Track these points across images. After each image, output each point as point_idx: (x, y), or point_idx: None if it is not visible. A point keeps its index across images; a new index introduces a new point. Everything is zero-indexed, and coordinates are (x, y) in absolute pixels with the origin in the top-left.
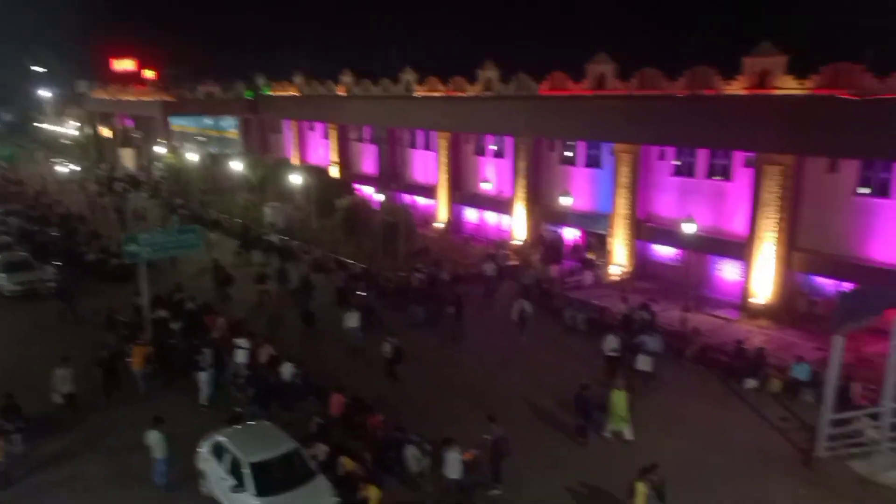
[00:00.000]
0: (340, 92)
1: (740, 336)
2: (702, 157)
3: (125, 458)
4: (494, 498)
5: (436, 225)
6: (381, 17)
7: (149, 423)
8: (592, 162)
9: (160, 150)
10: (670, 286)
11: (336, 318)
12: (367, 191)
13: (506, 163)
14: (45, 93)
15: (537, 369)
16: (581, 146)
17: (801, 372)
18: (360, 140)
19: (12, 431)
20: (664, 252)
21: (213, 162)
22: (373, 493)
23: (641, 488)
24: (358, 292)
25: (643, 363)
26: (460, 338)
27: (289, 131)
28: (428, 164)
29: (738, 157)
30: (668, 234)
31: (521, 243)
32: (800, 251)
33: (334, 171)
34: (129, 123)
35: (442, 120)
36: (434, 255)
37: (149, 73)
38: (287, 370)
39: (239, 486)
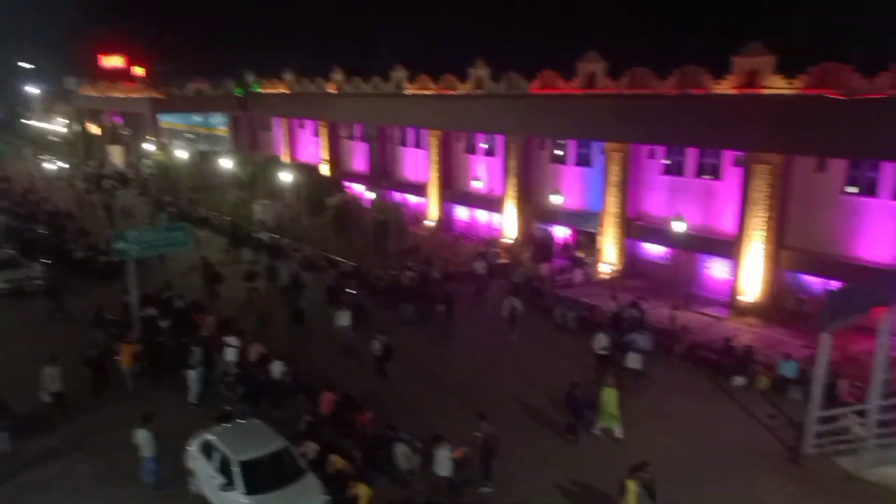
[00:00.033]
0: (331, 89)
1: (729, 334)
2: (691, 156)
3: (114, 457)
4: (484, 496)
5: (426, 223)
6: (372, 15)
7: (137, 422)
8: (583, 160)
9: (149, 147)
10: (660, 284)
11: (326, 317)
12: (358, 189)
13: (496, 161)
14: (32, 89)
15: (528, 367)
16: (571, 145)
17: (788, 369)
18: (351, 138)
19: (0, 430)
20: (654, 250)
21: (203, 159)
22: (363, 491)
23: (632, 486)
24: (348, 290)
25: (633, 361)
26: (451, 336)
27: (279, 129)
28: (419, 162)
29: (728, 156)
30: (658, 233)
31: (511, 241)
32: (788, 249)
33: (325, 169)
34: (118, 120)
35: (433, 118)
36: (425, 253)
37: (138, 70)
38: (277, 368)
39: (228, 485)
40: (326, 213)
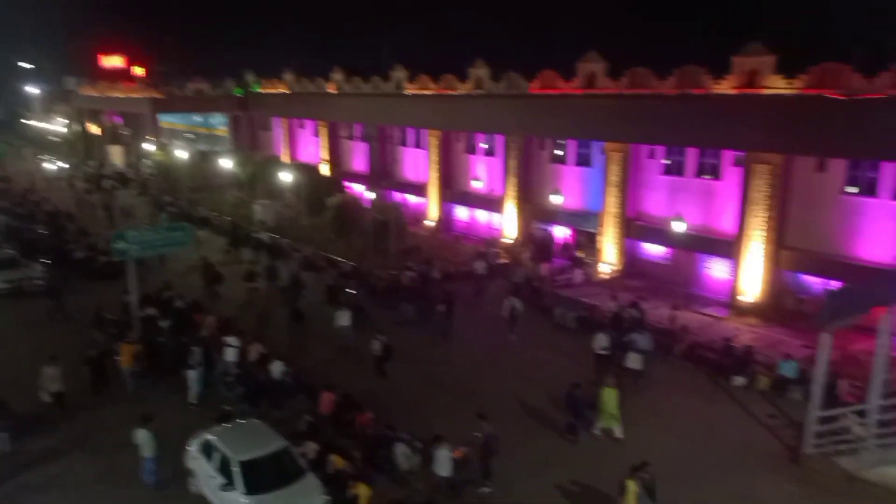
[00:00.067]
0: (331, 89)
1: (729, 334)
2: (691, 156)
3: (114, 457)
4: (484, 495)
5: (426, 223)
6: (372, 15)
7: (137, 422)
8: (583, 160)
9: (149, 147)
10: (659, 284)
11: (326, 317)
12: (358, 189)
13: (496, 161)
14: (32, 89)
15: (527, 367)
16: (571, 145)
17: (788, 369)
18: (351, 138)
19: (0, 430)
20: (653, 250)
21: (203, 159)
22: (363, 491)
23: (632, 486)
24: (348, 290)
25: (633, 361)
26: (450, 336)
27: (279, 129)
28: (419, 162)
29: (727, 155)
30: (658, 233)
31: (511, 241)
32: (788, 249)
33: (325, 169)
34: (118, 120)
35: (433, 118)
36: (425, 253)
37: (138, 70)
38: (277, 368)
39: (228, 485)
40: (326, 213)
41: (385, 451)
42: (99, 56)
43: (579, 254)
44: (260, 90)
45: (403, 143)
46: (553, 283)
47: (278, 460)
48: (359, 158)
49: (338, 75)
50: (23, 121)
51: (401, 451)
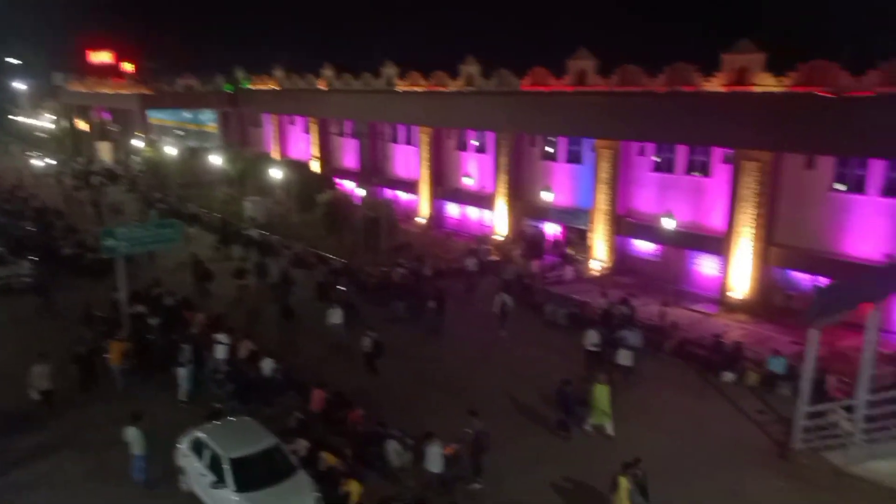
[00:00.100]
0: (321, 86)
1: (718, 330)
2: (681, 154)
3: (103, 455)
4: (475, 492)
5: (417, 220)
6: (363, 11)
7: (127, 420)
8: (573, 158)
9: (138, 143)
10: (649, 281)
11: (316, 313)
12: (349, 185)
13: (487, 158)
14: (20, 85)
15: (518, 364)
16: (562, 142)
17: (777, 365)
18: (342, 134)
19: None
20: (644, 247)
21: (192, 156)
22: (354, 487)
23: (624, 483)
24: (338, 287)
25: (624, 358)
26: (441, 333)
27: (269, 125)
28: (410, 159)
29: (717, 153)
30: (648, 230)
31: (502, 238)
32: (777, 246)
33: (315, 166)
34: (107, 116)
35: (423, 115)
36: (416, 250)
37: (127, 66)
38: (267, 365)
39: (219, 482)
40: (317, 210)
41: (376, 448)
42: (87, 51)
43: (570, 251)
44: (250, 86)
45: (394, 140)
46: (544, 280)
47: (269, 458)
48: (349, 155)
49: (328, 72)
50: (10, 117)
51: (392, 448)
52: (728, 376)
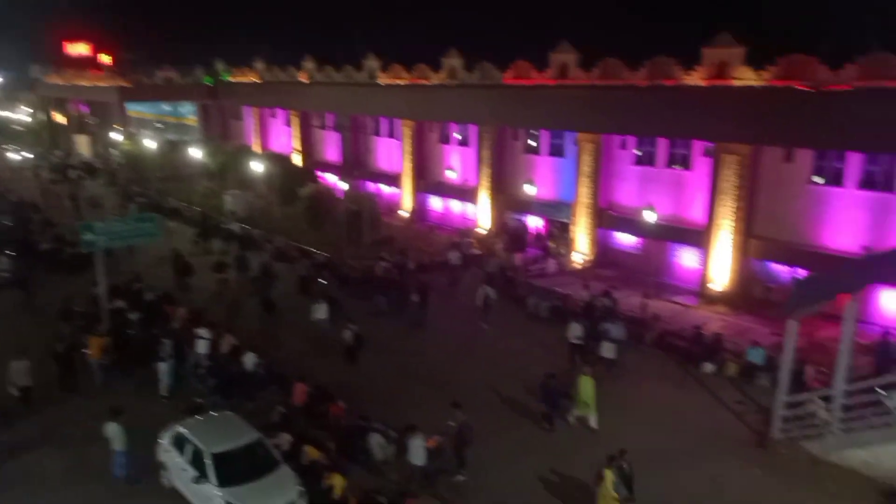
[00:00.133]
0: (302, 78)
1: (698, 322)
2: (662, 147)
3: (83, 451)
4: (459, 484)
5: (400, 213)
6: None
7: (107, 415)
8: (556, 151)
9: (117, 136)
10: (631, 273)
11: (297, 307)
12: (331, 179)
13: (470, 151)
14: None
15: (501, 357)
16: (544, 135)
17: (756, 356)
18: (323, 127)
19: None
20: (625, 240)
21: (172, 149)
22: (337, 481)
23: (609, 475)
24: (320, 280)
25: (607, 350)
26: (424, 326)
27: (250, 118)
28: (392, 153)
29: (697, 146)
30: (629, 223)
31: (485, 232)
32: (756, 239)
33: (297, 159)
34: (85, 109)
35: (406, 108)
36: (399, 243)
37: (104, 58)
38: (249, 360)
39: (201, 477)
40: (299, 204)
41: (359, 442)
42: (64, 43)
43: (552, 244)
44: (230, 79)
45: (377, 133)
46: (526, 273)
47: (252, 452)
48: (331, 148)
49: (309, 64)
50: None
51: (375, 442)
52: (708, 367)
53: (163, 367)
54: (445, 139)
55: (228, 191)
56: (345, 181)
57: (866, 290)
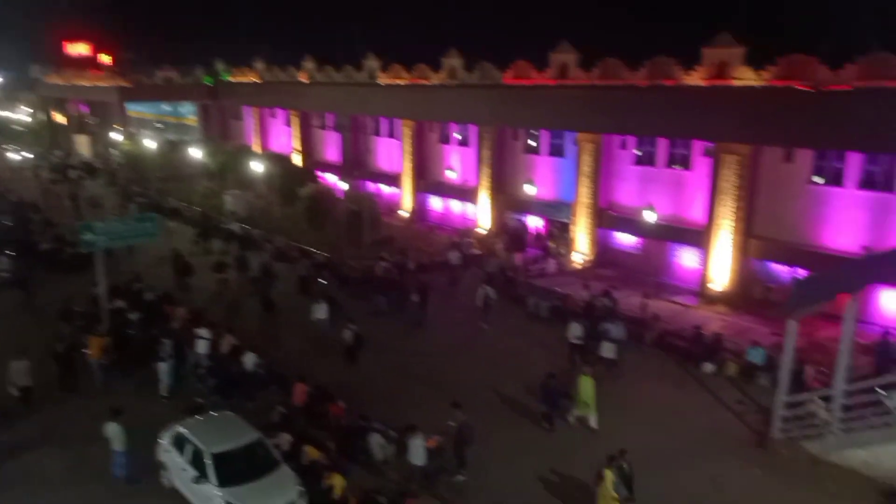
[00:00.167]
0: (302, 78)
1: (698, 322)
2: (662, 147)
3: (83, 451)
4: (459, 484)
5: (400, 213)
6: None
7: (107, 415)
8: (556, 151)
9: (117, 136)
10: (631, 273)
11: (298, 307)
12: (331, 179)
13: (470, 151)
14: None
15: (501, 357)
16: (544, 135)
17: (756, 356)
18: (323, 127)
19: None
20: (625, 240)
21: (172, 149)
22: (337, 481)
23: (609, 475)
24: (320, 280)
25: (607, 350)
26: (424, 326)
27: (250, 118)
28: (392, 153)
29: (697, 146)
30: (629, 223)
31: (485, 232)
32: (756, 239)
33: (297, 159)
34: (85, 109)
35: (406, 108)
36: (398, 243)
37: (104, 58)
38: (249, 360)
39: (201, 477)
40: (299, 204)
41: (359, 442)
42: (64, 43)
43: (552, 243)
44: (230, 79)
45: (377, 133)
46: (526, 273)
47: (252, 452)
48: (331, 148)
49: (309, 64)
50: None
51: (375, 441)
52: (708, 367)
53: (163, 367)
54: (445, 139)
55: (228, 191)
56: (345, 181)
57: (866, 290)
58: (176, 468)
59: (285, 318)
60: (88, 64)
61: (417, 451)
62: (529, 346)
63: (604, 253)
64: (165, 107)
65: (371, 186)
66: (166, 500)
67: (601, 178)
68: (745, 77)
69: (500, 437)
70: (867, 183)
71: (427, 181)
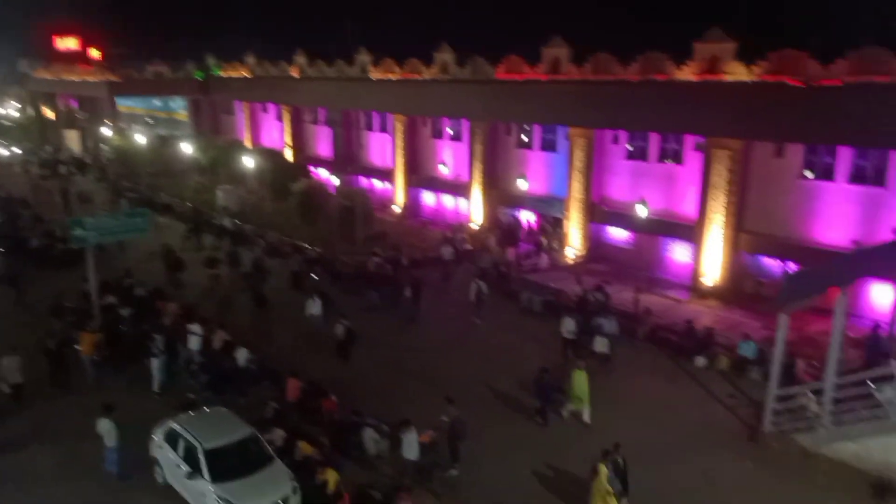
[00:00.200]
0: (294, 73)
1: (690, 316)
2: (654, 142)
3: (75, 447)
4: (452, 479)
5: (393, 208)
6: None
7: (99, 411)
8: (548, 146)
9: (107, 131)
10: (623, 268)
11: (290, 302)
12: (323, 174)
13: (463, 146)
14: None
15: (495, 352)
16: (537, 130)
17: (747, 350)
18: (315, 122)
19: None
20: (617, 235)
21: (163, 144)
22: (331, 476)
23: (604, 469)
24: (313, 276)
25: (600, 345)
26: (417, 321)
27: (241, 113)
28: (384, 148)
29: (689, 141)
30: (621, 217)
31: (478, 227)
32: (747, 233)
33: (289, 154)
34: (74, 104)
35: (398, 103)
36: (391, 239)
37: (94, 53)
38: (242, 355)
39: (194, 473)
40: (291, 199)
41: (353, 437)
42: (53, 37)
43: (545, 239)
44: (221, 73)
45: (369, 128)
46: (519, 268)
47: (245, 448)
48: (323, 143)
49: (301, 59)
50: None
51: (368, 436)
52: (700, 361)
53: (155, 363)
54: (438, 134)
55: (220, 186)
56: (337, 176)
57: (856, 284)
58: (169, 464)
59: (278, 314)
60: (78, 58)
61: (411, 445)
62: (522, 341)
63: (596, 248)
64: (156, 102)
65: (363, 181)
66: (159, 496)
67: (593, 172)
68: (737, 72)
69: (494, 432)
70: (857, 177)
71: (419, 176)
